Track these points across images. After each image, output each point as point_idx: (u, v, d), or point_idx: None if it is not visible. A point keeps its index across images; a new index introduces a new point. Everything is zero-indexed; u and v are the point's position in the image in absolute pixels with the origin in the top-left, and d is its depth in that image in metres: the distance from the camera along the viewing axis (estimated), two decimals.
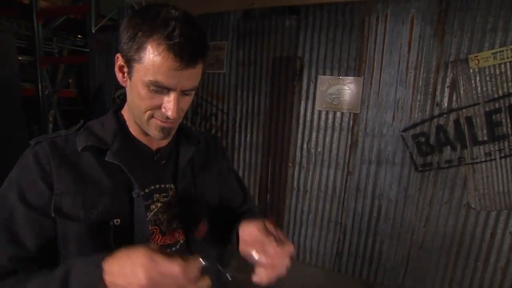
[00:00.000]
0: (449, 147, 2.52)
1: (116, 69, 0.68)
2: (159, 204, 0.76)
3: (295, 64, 2.83)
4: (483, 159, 2.44)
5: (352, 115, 2.71)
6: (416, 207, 2.65)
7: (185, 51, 0.59)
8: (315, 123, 2.88)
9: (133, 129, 0.76)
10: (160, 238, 0.75)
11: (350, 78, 2.67)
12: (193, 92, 0.68)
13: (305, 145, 2.93)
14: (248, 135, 3.15)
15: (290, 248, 0.67)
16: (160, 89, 0.63)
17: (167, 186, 0.78)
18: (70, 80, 5.76)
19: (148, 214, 0.73)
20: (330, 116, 2.81)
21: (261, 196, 3.19)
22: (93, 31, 4.08)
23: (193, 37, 0.60)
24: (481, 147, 2.43)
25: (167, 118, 0.67)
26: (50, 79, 5.00)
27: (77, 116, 5.71)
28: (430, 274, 2.71)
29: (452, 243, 2.61)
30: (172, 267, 0.51)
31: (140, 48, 0.60)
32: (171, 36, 0.58)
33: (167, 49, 0.58)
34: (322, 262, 3.02)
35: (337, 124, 2.79)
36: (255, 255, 0.67)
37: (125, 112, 0.78)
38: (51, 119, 5.01)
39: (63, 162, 0.68)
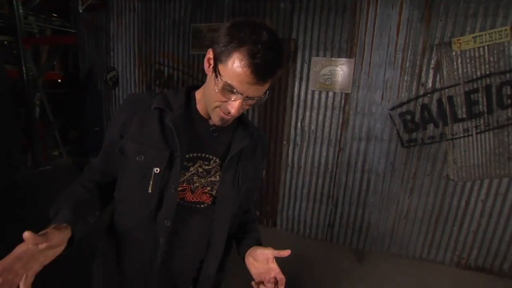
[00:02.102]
0: (432, 124, 2.75)
1: (206, 59, 0.82)
2: (200, 169, 0.91)
3: (289, 46, 2.95)
4: (461, 135, 2.70)
5: (343, 95, 2.90)
6: (402, 180, 2.91)
7: (260, 72, 0.73)
8: (308, 103, 3.05)
9: (200, 106, 0.91)
10: (189, 195, 0.91)
11: (342, 60, 2.83)
12: (256, 101, 0.81)
13: (299, 124, 3.11)
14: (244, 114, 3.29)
15: (281, 277, 0.86)
16: (231, 91, 0.77)
17: (211, 157, 0.92)
18: (55, 63, 5.64)
19: (186, 173, 0.89)
20: (323, 96, 2.98)
21: None
22: (80, 11, 4.01)
23: (270, 61, 0.73)
24: (460, 124, 2.68)
25: (229, 113, 0.81)
26: (33, 61, 4.90)
27: (65, 99, 5.64)
28: (413, 240, 3.01)
29: (432, 212, 2.90)
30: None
31: (229, 55, 0.73)
32: (254, 56, 0.71)
33: (247, 65, 0.71)
34: (316, 233, 3.27)
35: (329, 104, 2.97)
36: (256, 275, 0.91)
37: (198, 93, 0.93)
38: (37, 102, 4.95)
39: (137, 116, 0.88)
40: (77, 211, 0.84)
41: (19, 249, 0.65)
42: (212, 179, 0.92)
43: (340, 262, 2.96)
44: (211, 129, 0.92)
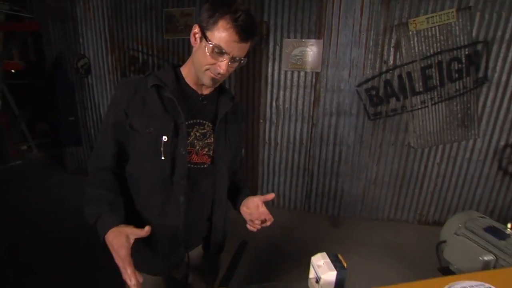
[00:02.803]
0: (394, 98, 3.08)
1: (191, 34, 0.98)
2: (197, 134, 1.06)
3: (261, 28, 3.13)
4: (419, 107, 3.05)
5: (314, 73, 3.15)
6: (369, 150, 3.25)
7: (243, 32, 0.91)
8: (282, 83, 3.27)
9: (188, 79, 1.07)
10: (194, 157, 1.06)
11: (311, 41, 3.06)
12: (238, 62, 0.98)
13: (274, 103, 3.34)
14: None
15: (270, 217, 1.09)
16: (219, 52, 0.93)
17: (204, 122, 1.08)
18: (13, 51, 5.40)
19: (189, 138, 1.04)
20: (295, 75, 3.21)
21: None
22: None
23: (249, 24, 0.92)
24: (418, 97, 3.03)
25: (218, 73, 0.97)
26: None
27: (29, 89, 5.47)
28: (381, 203, 3.39)
29: (397, 177, 3.28)
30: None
31: (214, 23, 0.91)
32: (237, 20, 0.89)
33: (232, 27, 0.90)
34: (294, 204, 3.58)
35: (301, 82, 3.21)
36: (249, 219, 1.12)
37: (184, 69, 1.08)
38: None
39: (138, 95, 1.01)
40: (117, 208, 0.99)
41: (125, 251, 0.86)
42: (208, 141, 1.08)
43: (318, 228, 3.28)
44: (200, 98, 1.08)
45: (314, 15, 3.01)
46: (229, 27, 0.90)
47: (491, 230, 1.20)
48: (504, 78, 2.80)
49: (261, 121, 3.42)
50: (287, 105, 3.31)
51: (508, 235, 1.15)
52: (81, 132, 4.41)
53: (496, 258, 1.11)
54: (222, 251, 1.27)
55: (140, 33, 3.64)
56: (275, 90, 3.30)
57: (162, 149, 1.00)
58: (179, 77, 1.07)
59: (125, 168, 1.08)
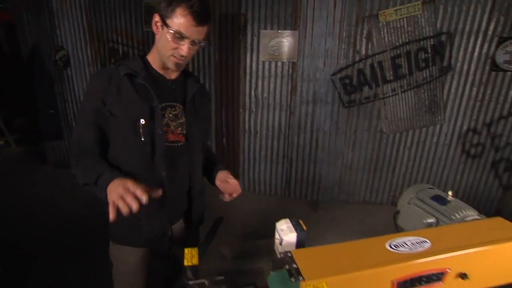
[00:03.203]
0: (367, 86, 3.27)
1: (153, 23, 1.09)
2: (170, 115, 1.18)
3: (239, 20, 3.24)
4: (390, 94, 3.25)
5: (291, 63, 3.29)
6: (345, 136, 3.43)
7: (198, 17, 1.02)
8: (260, 73, 3.40)
9: (155, 66, 1.17)
10: (171, 136, 1.18)
11: (287, 32, 3.19)
12: (198, 45, 1.11)
13: (252, 92, 3.47)
14: None
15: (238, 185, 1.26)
16: (180, 37, 1.04)
17: (175, 104, 1.20)
18: None
19: (164, 119, 1.15)
20: (273, 65, 3.34)
21: (218, 141, 3.71)
22: None
23: (204, 9, 1.04)
24: (388, 85, 3.22)
25: (181, 56, 1.08)
26: None
27: (3, 83, 5.37)
28: (357, 187, 3.60)
29: (371, 161, 3.49)
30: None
31: (172, 11, 1.02)
32: (192, 6, 1.01)
33: (189, 14, 1.01)
34: (275, 190, 3.74)
35: (278, 72, 3.35)
36: (222, 192, 1.28)
37: (150, 56, 1.19)
38: None
39: (113, 84, 1.10)
40: (114, 168, 1.08)
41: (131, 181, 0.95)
42: (180, 121, 1.21)
43: (297, 212, 3.47)
44: (169, 83, 1.20)
45: (289, 7, 3.13)
46: (186, 14, 1.01)
47: (436, 198, 1.38)
48: (465, 67, 3.02)
49: (241, 110, 3.54)
50: (265, 95, 3.44)
51: (449, 201, 1.32)
52: (62, 125, 4.40)
53: (437, 220, 1.28)
54: (202, 223, 1.42)
55: (119, 24, 3.67)
56: (253, 80, 3.42)
57: (141, 131, 1.11)
58: (147, 65, 1.17)
59: (106, 154, 1.16)
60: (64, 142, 4.48)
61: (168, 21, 1.03)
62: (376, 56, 3.16)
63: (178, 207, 1.30)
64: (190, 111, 1.23)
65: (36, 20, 4.05)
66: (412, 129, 3.32)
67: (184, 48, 1.06)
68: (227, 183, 1.26)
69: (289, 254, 0.92)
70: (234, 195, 1.26)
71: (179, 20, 1.02)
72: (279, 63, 3.31)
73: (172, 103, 1.19)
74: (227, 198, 1.27)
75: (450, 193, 1.32)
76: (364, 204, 3.65)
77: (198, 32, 1.06)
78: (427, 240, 0.99)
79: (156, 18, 1.07)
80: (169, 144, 1.18)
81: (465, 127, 3.22)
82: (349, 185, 3.63)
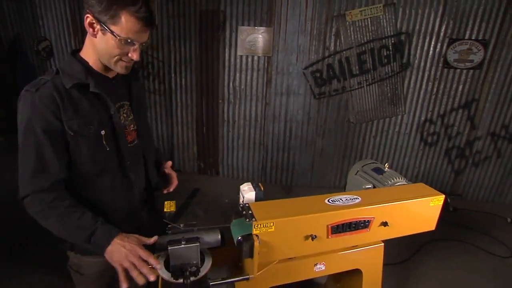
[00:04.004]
0: (335, 79, 3.57)
1: (86, 24, 0.96)
2: (124, 115, 1.16)
3: (218, 17, 3.46)
4: (356, 87, 3.56)
5: (266, 58, 3.54)
6: (316, 126, 3.74)
7: (148, 22, 0.98)
8: (237, 66, 3.65)
9: (96, 67, 1.07)
10: (129, 137, 1.16)
11: (263, 28, 3.44)
12: (143, 46, 1.05)
13: (231, 84, 3.71)
14: (183, 79, 3.78)
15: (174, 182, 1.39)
16: (129, 42, 0.98)
17: (124, 102, 1.17)
18: None
19: (121, 121, 1.12)
20: (249, 59, 3.59)
21: (198, 130, 3.95)
22: None
23: (151, 12, 0.98)
24: (355, 78, 3.54)
25: (131, 60, 1.03)
26: None
27: None
28: (328, 173, 3.92)
29: (340, 149, 3.81)
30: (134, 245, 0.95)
31: (115, 15, 0.92)
32: (139, 12, 0.94)
33: (137, 19, 0.94)
34: (252, 176, 4.02)
35: (255, 66, 3.61)
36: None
37: (86, 55, 1.06)
38: None
39: (64, 98, 0.98)
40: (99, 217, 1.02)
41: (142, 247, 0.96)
42: (130, 118, 1.20)
43: (272, 196, 3.72)
44: (112, 82, 1.13)
45: (265, 5, 3.38)
46: (134, 19, 0.94)
47: (376, 169, 1.68)
48: (422, 64, 3.38)
49: (220, 101, 3.78)
50: (243, 86, 3.69)
51: (385, 171, 1.63)
52: None
53: (374, 186, 1.58)
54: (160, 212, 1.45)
55: None
56: (231, 73, 3.66)
57: (104, 142, 1.07)
58: (87, 67, 1.06)
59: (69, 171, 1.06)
60: None
61: (113, 28, 0.94)
62: (344, 52, 3.46)
63: (143, 198, 1.31)
64: (137, 105, 1.22)
65: (17, 9, 4.09)
66: (376, 119, 3.65)
67: (136, 54, 1.02)
68: (169, 175, 1.39)
69: (246, 205, 1.19)
70: (171, 189, 1.39)
71: (128, 26, 0.94)
72: (256, 57, 3.56)
73: (121, 102, 1.16)
74: (165, 190, 1.41)
75: (386, 165, 1.63)
76: (334, 188, 3.98)
77: (146, 35, 1.02)
78: (358, 197, 1.29)
79: (90, 19, 0.95)
80: (130, 145, 1.18)
81: (422, 118, 3.59)
82: (320, 170, 3.94)
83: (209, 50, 3.63)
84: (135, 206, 1.24)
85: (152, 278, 0.91)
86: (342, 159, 3.89)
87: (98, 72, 1.08)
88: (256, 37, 3.48)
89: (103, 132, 1.06)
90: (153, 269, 0.95)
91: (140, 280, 0.91)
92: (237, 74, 3.67)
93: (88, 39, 1.03)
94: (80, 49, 1.09)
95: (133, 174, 1.19)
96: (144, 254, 0.93)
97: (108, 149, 1.08)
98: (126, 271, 0.93)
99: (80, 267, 1.21)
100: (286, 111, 3.72)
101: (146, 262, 0.94)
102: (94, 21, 0.95)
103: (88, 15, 0.95)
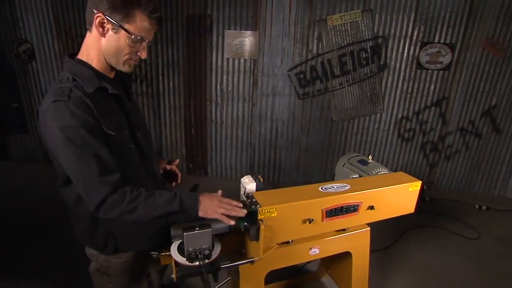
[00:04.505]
0: (318, 80, 3.78)
1: (96, 24, 0.99)
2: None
3: (205, 21, 3.59)
4: (338, 87, 3.78)
5: (252, 60, 3.71)
6: (301, 125, 3.93)
7: (158, 20, 1.07)
8: (225, 68, 3.79)
9: (100, 68, 1.09)
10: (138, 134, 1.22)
11: (249, 32, 3.60)
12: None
13: (218, 86, 3.85)
14: (171, 82, 3.88)
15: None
16: (140, 40, 1.05)
17: (125, 99, 1.20)
18: None
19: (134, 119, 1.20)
20: (236, 62, 3.74)
21: (186, 130, 4.06)
22: None
23: (160, 12, 1.06)
24: (337, 79, 3.76)
25: (139, 58, 1.11)
26: None
27: None
28: (313, 169, 4.13)
29: (324, 146, 4.03)
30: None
31: (130, 14, 0.98)
32: (152, 12, 1.02)
33: (149, 19, 1.02)
34: (240, 175, 4.15)
35: (241, 68, 3.76)
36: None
37: (87, 57, 1.07)
38: None
39: (94, 102, 1.01)
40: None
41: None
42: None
43: None
44: (115, 82, 1.17)
45: (251, 10, 3.55)
46: (147, 19, 1.02)
47: (361, 161, 1.88)
48: (398, 65, 3.66)
49: (208, 102, 3.91)
50: (230, 88, 3.83)
51: (369, 163, 1.82)
52: (27, 119, 4.43)
53: (360, 175, 1.77)
54: None
55: None
56: (219, 75, 3.80)
57: (131, 144, 1.16)
58: (93, 70, 1.08)
59: None
60: (29, 136, 4.50)
61: (127, 26, 1.00)
62: (326, 54, 3.67)
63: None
64: (134, 102, 1.30)
65: None
66: (357, 118, 3.89)
67: (144, 52, 1.09)
68: (169, 171, 1.49)
69: (250, 194, 1.34)
70: (179, 181, 1.51)
71: (141, 24, 1.01)
72: (242, 60, 3.71)
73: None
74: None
75: (370, 157, 1.82)
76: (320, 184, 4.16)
77: (154, 34, 1.11)
78: (348, 185, 1.47)
79: (100, 19, 0.99)
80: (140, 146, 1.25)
81: (399, 115, 3.86)
82: (306, 167, 4.15)
83: (196, 53, 3.75)
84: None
85: (243, 213, 1.17)
86: (326, 156, 4.10)
87: (103, 73, 1.10)
88: (242, 41, 3.63)
89: (126, 133, 1.13)
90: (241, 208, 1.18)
91: (241, 213, 1.16)
92: (224, 76, 3.81)
93: (90, 41, 1.05)
94: (75, 53, 1.11)
95: (154, 169, 1.29)
96: (229, 200, 1.17)
97: (132, 146, 1.15)
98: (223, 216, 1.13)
99: (109, 268, 1.27)
100: (272, 111, 3.89)
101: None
102: (105, 21, 0.98)
103: (99, 14, 0.97)
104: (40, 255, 2.57)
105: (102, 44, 1.04)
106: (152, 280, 1.62)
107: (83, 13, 3.88)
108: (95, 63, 1.07)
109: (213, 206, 1.13)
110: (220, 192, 1.24)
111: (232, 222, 1.16)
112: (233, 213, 1.15)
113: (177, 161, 1.53)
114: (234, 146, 4.09)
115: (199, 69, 3.83)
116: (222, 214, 1.13)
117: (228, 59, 3.76)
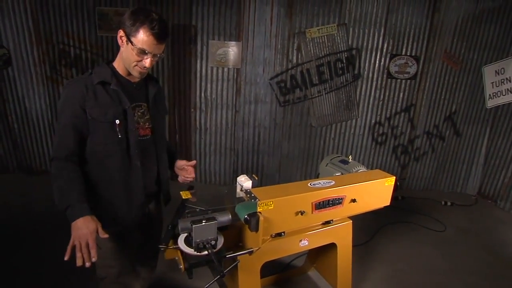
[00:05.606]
0: (298, 89, 4.05)
1: (118, 37, 1.30)
2: (139, 113, 1.45)
3: (190, 31, 3.76)
4: (316, 95, 4.07)
5: (235, 69, 3.93)
6: (282, 131, 4.18)
7: (159, 37, 1.27)
8: (209, 77, 4.00)
9: (121, 72, 1.40)
10: (141, 131, 1.44)
11: (232, 43, 3.82)
12: (158, 58, 1.35)
13: (202, 94, 4.04)
14: None
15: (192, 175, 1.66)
16: (144, 52, 1.28)
17: (141, 103, 1.46)
18: None
19: (134, 117, 1.40)
20: (220, 71, 3.95)
21: (171, 137, 4.21)
22: None
23: (163, 31, 1.27)
24: (315, 87, 4.05)
25: (144, 67, 1.32)
26: None
27: None
28: (293, 173, 4.39)
29: (304, 151, 4.30)
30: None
31: (136, 31, 1.24)
32: (154, 29, 1.24)
33: (151, 34, 1.24)
34: (224, 180, 4.34)
35: (225, 77, 3.99)
36: (180, 175, 1.69)
37: (116, 64, 1.41)
38: None
39: (89, 92, 1.31)
40: (84, 199, 1.25)
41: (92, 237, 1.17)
42: (147, 117, 1.48)
43: None
44: (134, 85, 1.45)
45: (234, 22, 3.78)
46: (149, 34, 1.25)
47: (342, 161, 2.12)
48: (370, 75, 4.04)
49: (192, 110, 4.07)
50: (214, 96, 4.03)
51: (349, 162, 2.07)
52: (0, 125, 4.32)
53: (342, 173, 2.00)
54: (170, 199, 1.74)
55: (70, 27, 3.88)
56: (203, 84, 3.99)
57: (117, 129, 1.36)
58: (114, 72, 1.40)
59: (84, 152, 1.36)
60: (2, 144, 4.39)
61: (133, 39, 1.25)
62: (305, 64, 3.96)
63: (150, 190, 1.57)
64: (153, 108, 1.51)
65: None
66: (334, 123, 4.20)
67: (147, 61, 1.31)
68: (184, 170, 1.68)
69: (248, 190, 1.52)
70: (189, 179, 1.67)
71: (143, 38, 1.24)
72: (226, 69, 3.92)
73: (139, 103, 1.46)
74: (182, 179, 1.69)
75: (350, 157, 2.06)
76: None
77: (158, 48, 1.31)
78: (332, 181, 1.69)
79: (121, 33, 1.28)
80: (140, 138, 1.45)
81: (373, 121, 4.21)
82: (287, 171, 4.40)
83: (181, 62, 3.93)
84: (139, 193, 1.47)
85: (87, 264, 1.12)
86: (306, 160, 4.37)
87: (122, 76, 1.41)
88: (226, 51, 3.84)
89: (117, 122, 1.34)
90: (89, 258, 1.14)
91: (78, 262, 1.11)
92: (208, 85, 4.00)
93: (120, 51, 1.36)
94: (113, 60, 1.43)
95: (139, 162, 1.43)
96: (91, 243, 1.14)
97: (119, 136, 1.36)
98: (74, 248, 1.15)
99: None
100: (255, 118, 4.12)
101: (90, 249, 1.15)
102: (123, 35, 1.28)
103: (120, 30, 1.28)
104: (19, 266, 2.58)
105: (121, 53, 1.35)
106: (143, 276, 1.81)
107: (65, 20, 3.94)
108: (119, 67, 1.39)
109: (76, 233, 1.16)
110: (105, 235, 1.23)
111: (66, 258, 1.13)
112: (78, 254, 1.13)
113: (194, 162, 1.68)
114: (218, 151, 4.27)
115: (184, 77, 4.00)
116: (73, 245, 1.14)
117: (212, 68, 3.95)
